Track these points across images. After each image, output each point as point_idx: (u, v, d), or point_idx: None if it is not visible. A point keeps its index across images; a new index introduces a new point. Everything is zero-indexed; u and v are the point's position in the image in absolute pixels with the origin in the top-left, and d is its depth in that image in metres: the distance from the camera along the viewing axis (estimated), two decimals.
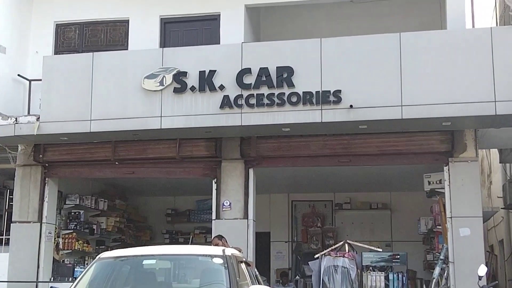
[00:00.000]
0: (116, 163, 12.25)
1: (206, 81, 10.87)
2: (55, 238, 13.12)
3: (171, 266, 6.83)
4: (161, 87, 11.01)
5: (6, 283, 12.34)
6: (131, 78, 11.21)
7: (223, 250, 6.79)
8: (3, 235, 15.47)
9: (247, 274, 7.11)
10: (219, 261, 6.55)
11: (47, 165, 12.66)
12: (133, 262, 6.76)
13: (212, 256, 6.70)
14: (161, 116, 10.96)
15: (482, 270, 8.58)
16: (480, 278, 8.56)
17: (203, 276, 6.55)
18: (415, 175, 12.73)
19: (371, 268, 12.56)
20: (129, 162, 12.36)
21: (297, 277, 15.30)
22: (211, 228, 11.92)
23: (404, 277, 12.29)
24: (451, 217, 11.11)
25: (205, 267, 6.65)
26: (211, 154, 11.93)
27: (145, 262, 6.77)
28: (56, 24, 13.44)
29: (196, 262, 6.82)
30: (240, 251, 8.14)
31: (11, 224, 12.82)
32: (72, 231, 14.00)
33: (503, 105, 9.88)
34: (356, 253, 12.53)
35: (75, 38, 13.39)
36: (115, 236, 15.75)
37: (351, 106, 10.28)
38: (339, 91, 10.40)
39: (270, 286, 7.12)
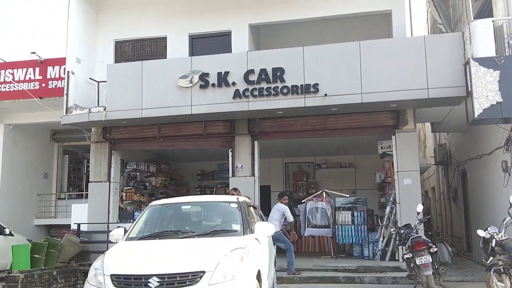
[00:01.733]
0: (161, 139, 12.40)
1: (223, 79, 10.99)
2: (119, 192, 13.32)
3: (201, 209, 6.97)
4: (190, 85, 11.14)
5: (87, 224, 12.57)
6: (169, 79, 11.35)
7: (237, 198, 6.91)
8: (83, 191, 15.87)
9: (254, 215, 7.24)
10: (234, 205, 6.67)
11: (112, 141, 12.81)
12: (174, 207, 6.90)
13: (229, 202, 6.83)
14: (191, 105, 11.11)
15: (419, 207, 8.71)
16: (418, 213, 8.68)
17: (223, 216, 6.68)
18: (371, 142, 12.91)
19: (341, 208, 12.74)
20: (170, 138, 12.51)
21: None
22: (229, 183, 12.07)
23: (364, 214, 12.49)
24: (397, 171, 11.22)
25: (224, 210, 6.78)
26: (227, 131, 12.06)
27: (182, 207, 6.91)
28: (115, 41, 13.54)
29: (218, 206, 6.96)
30: (249, 199, 8.25)
31: (89, 183, 13.03)
32: (131, 187, 14.21)
33: (433, 91, 10.03)
34: (331, 198, 12.70)
35: (129, 51, 13.49)
36: (162, 190, 15.94)
37: (325, 94, 10.43)
38: (317, 84, 10.52)
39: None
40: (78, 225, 12.53)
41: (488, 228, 6.07)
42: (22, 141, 15.63)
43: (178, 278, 4.84)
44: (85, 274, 11.65)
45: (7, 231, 12.04)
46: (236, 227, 6.20)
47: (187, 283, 4.82)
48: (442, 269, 7.63)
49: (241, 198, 6.96)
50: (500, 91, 9.11)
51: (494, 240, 5.74)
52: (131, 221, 12.10)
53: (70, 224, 13.05)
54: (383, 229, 11.83)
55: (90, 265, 11.80)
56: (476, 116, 9.10)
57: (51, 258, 11.39)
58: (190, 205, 6.98)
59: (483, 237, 6.06)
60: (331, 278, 9.80)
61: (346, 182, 16.00)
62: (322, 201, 12.36)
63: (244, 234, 6.02)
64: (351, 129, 11.72)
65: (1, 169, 14.93)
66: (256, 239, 6.12)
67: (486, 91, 9.14)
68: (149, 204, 6.98)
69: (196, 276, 4.87)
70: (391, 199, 11.81)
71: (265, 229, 6.26)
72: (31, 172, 16.03)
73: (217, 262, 5.03)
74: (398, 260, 11.01)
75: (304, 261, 11.43)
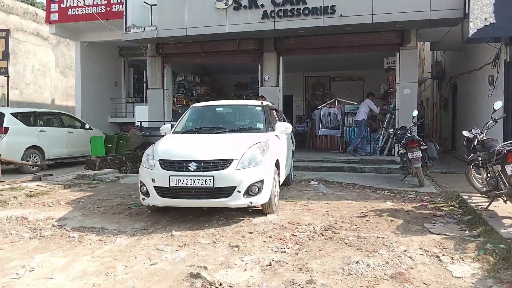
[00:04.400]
0: (203, 54, 11.89)
1: (253, 1, 10.15)
2: (171, 98, 13.21)
3: (232, 111, 6.76)
4: (225, 6, 10.34)
5: (147, 122, 12.68)
6: (208, 1, 10.55)
7: (261, 102, 6.64)
8: (143, 97, 15.89)
9: (276, 117, 7.01)
10: (259, 108, 6.43)
11: (164, 56, 12.38)
12: (211, 109, 6.70)
13: (255, 106, 6.58)
14: (226, 25, 10.40)
15: (415, 112, 8.32)
16: (413, 117, 8.30)
17: (250, 117, 6.46)
18: (378, 58, 12.09)
19: (350, 113, 12.37)
20: (210, 54, 11.96)
21: (308, 120, 15.28)
22: (258, 92, 11.74)
23: (369, 118, 12.09)
24: (399, 83, 10.62)
25: (251, 112, 6.54)
26: (257, 48, 11.46)
27: (217, 109, 6.72)
28: None
29: (246, 109, 6.71)
30: (273, 104, 8.00)
31: (148, 90, 12.93)
32: (181, 94, 14.10)
33: (435, 13, 9.08)
34: (341, 105, 12.29)
35: None
36: (205, 97, 15.71)
37: (341, 15, 9.56)
38: (334, 5, 9.61)
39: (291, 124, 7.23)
40: (141, 122, 12.67)
41: (472, 130, 5.69)
42: (95, 56, 15.56)
43: (211, 164, 4.77)
44: None
45: (87, 126, 12.32)
46: (260, 125, 6.01)
47: (219, 167, 4.75)
48: (430, 163, 7.39)
49: (265, 103, 6.69)
50: (494, 13, 8.23)
51: (476, 140, 5.38)
52: None
53: (135, 122, 13.23)
54: (383, 131, 11.49)
55: None
56: (470, 35, 8.34)
57: (121, 147, 11.67)
58: (223, 107, 6.76)
59: (467, 137, 5.70)
60: (337, 167, 9.70)
61: (356, 93, 15.34)
62: (334, 107, 11.97)
63: (266, 132, 5.85)
64: (362, 46, 10.92)
65: (80, 78, 15.14)
66: (276, 135, 5.93)
67: (481, 13, 8.28)
68: (191, 106, 6.81)
69: (226, 162, 4.78)
70: (391, 106, 11.33)
71: (284, 128, 6.05)
72: (104, 81, 16.13)
73: (243, 152, 4.91)
74: (393, 155, 10.80)
75: (317, 155, 11.35)
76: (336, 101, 12.16)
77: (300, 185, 7.81)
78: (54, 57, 20.29)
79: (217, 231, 4.62)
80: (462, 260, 3.69)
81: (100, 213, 5.62)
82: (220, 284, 3.30)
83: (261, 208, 5.27)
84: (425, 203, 6.13)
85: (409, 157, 7.25)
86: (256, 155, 4.96)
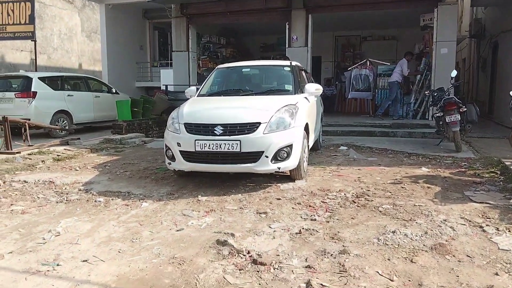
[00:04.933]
0: (228, 13, 11.46)
1: None
2: (197, 61, 12.93)
3: (259, 72, 6.42)
4: None
5: (173, 86, 12.52)
6: None
7: (290, 62, 6.28)
8: (168, 61, 15.66)
9: (305, 78, 6.64)
10: (288, 69, 6.09)
11: (188, 16, 12.02)
12: (237, 70, 6.40)
13: (283, 66, 6.23)
14: None
15: (454, 73, 7.73)
16: (452, 78, 7.74)
17: (278, 78, 6.13)
18: (413, 16, 11.25)
19: (382, 75, 11.79)
20: (235, 13, 11.51)
21: (336, 82, 14.74)
22: (285, 54, 11.28)
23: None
24: (436, 42, 9.95)
25: (279, 73, 6.20)
26: (285, 6, 10.91)
27: (243, 70, 6.40)
28: None
29: (274, 69, 6.37)
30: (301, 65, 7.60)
31: (172, 52, 12.67)
32: (206, 56, 13.75)
33: None
34: (374, 66, 11.70)
35: None
36: (231, 60, 15.32)
37: None
38: None
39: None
40: (166, 86, 12.52)
41: None
42: (120, 19, 15.32)
43: (238, 127, 4.55)
44: None
45: (113, 90, 12.27)
46: (289, 87, 5.70)
47: (245, 132, 4.53)
48: (469, 126, 6.93)
49: (294, 63, 6.33)
50: None
51: None
52: None
53: (160, 86, 13.10)
54: (416, 93, 10.92)
55: None
56: None
57: (147, 111, 11.60)
58: (250, 68, 6.41)
59: None
60: (368, 132, 9.33)
61: (388, 53, 14.53)
62: (366, 68, 11.41)
63: (295, 94, 5.54)
64: (398, 2, 10.23)
65: (106, 42, 15.01)
66: (305, 98, 5.62)
67: None
68: (216, 67, 6.51)
69: (253, 126, 4.55)
70: (421, 66, 10.71)
71: (314, 89, 5.71)
72: (130, 45, 15.95)
73: (271, 115, 4.65)
74: (427, 119, 10.30)
75: (346, 119, 10.96)
76: (367, 61, 11.59)
77: (329, 150, 7.54)
78: (80, 21, 20.20)
79: (244, 197, 4.47)
80: (509, 231, 3.40)
81: (126, 177, 5.56)
82: (248, 252, 3.15)
83: (289, 174, 5.07)
84: (463, 169, 5.78)
85: (447, 121, 6.81)
86: (285, 118, 4.71)
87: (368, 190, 4.65)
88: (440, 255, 3.02)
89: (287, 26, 11.12)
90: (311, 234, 3.46)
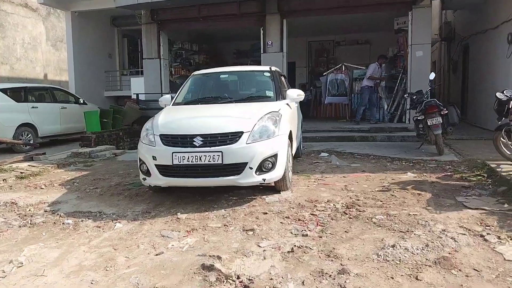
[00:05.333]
0: (201, 19, 11.14)
1: None
2: (169, 68, 12.54)
3: (238, 78, 6.14)
4: None
5: (144, 94, 12.06)
6: None
7: (270, 68, 6.03)
8: (138, 69, 15.18)
9: (285, 83, 6.40)
10: (268, 74, 5.84)
11: (159, 22, 11.64)
12: (214, 76, 6.09)
13: (263, 71, 5.98)
14: None
15: (432, 75, 7.71)
16: (430, 81, 7.71)
17: (258, 84, 5.87)
18: (387, 20, 11.32)
19: (358, 79, 11.75)
20: (209, 18, 11.20)
21: (311, 88, 14.65)
22: (260, 60, 11.07)
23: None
24: (411, 44, 9.96)
25: (259, 78, 5.94)
26: (259, 10, 10.71)
27: (221, 76, 6.09)
28: None
29: (253, 75, 6.09)
30: (280, 70, 7.37)
31: (143, 60, 12.22)
32: (178, 63, 13.39)
33: None
34: (349, 71, 11.64)
35: None
36: (204, 67, 15.00)
37: None
38: None
39: None
40: (137, 95, 12.06)
41: (505, 91, 5.14)
42: (87, 26, 14.72)
43: (219, 138, 4.22)
44: None
45: (81, 100, 11.70)
46: (270, 93, 5.43)
47: (227, 142, 4.21)
48: (450, 129, 6.86)
49: (273, 68, 6.09)
50: None
51: (511, 102, 4.85)
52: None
53: (131, 95, 12.61)
54: (393, 96, 10.90)
55: None
56: None
57: (118, 122, 11.11)
58: (228, 74, 6.12)
59: (499, 99, 5.16)
60: (347, 137, 9.19)
61: (362, 58, 14.60)
62: (341, 73, 11.32)
63: (277, 100, 5.28)
64: (371, 6, 10.18)
65: (73, 51, 14.37)
66: (287, 104, 5.37)
67: None
68: (192, 74, 6.16)
69: (236, 136, 4.24)
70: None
71: (296, 95, 5.47)
72: (98, 53, 15.35)
73: (254, 124, 4.36)
74: (404, 122, 10.29)
75: (324, 124, 10.82)
76: (343, 66, 11.50)
77: (310, 157, 7.33)
78: (45, 30, 19.37)
79: (227, 213, 4.15)
80: (511, 239, 3.23)
81: (97, 195, 5.14)
82: (238, 277, 2.84)
83: (273, 185, 4.79)
84: (449, 173, 5.66)
85: (429, 124, 6.72)
86: (268, 126, 4.43)
87: (358, 200, 4.42)
88: (445, 269, 2.80)
89: (261, 31, 10.92)
90: (304, 252, 3.19)
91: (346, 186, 5.07)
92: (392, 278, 2.72)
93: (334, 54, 15.59)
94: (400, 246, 3.14)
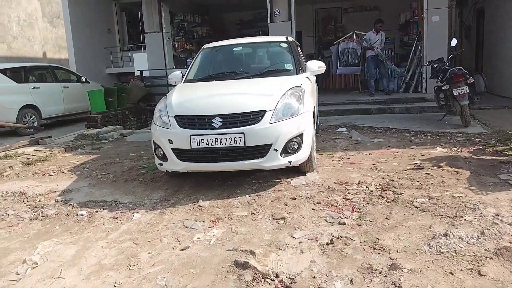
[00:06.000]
0: None
1: None
2: (172, 42, 12.01)
3: (252, 50, 5.68)
4: None
5: (148, 71, 11.61)
6: None
7: (287, 37, 5.59)
8: (142, 44, 14.63)
9: (301, 54, 5.96)
10: (285, 45, 5.42)
11: None
12: (227, 49, 5.63)
13: (280, 42, 5.54)
14: None
15: (454, 41, 7.22)
16: (452, 47, 7.28)
17: (275, 56, 5.43)
18: None
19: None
20: None
21: (320, 58, 14.09)
22: (266, 31, 10.54)
23: (392, 51, 11.00)
24: (427, 9, 9.41)
25: (276, 50, 5.50)
26: None
27: (234, 49, 5.65)
28: None
29: (269, 47, 5.63)
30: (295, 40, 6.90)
31: (145, 34, 11.69)
32: (181, 37, 12.90)
33: None
34: (360, 39, 11.08)
35: None
36: (207, 39, 14.45)
37: None
38: None
39: None
40: (141, 71, 11.60)
41: None
42: (84, 1, 14.04)
43: (240, 118, 3.85)
44: (152, 112, 11.30)
45: (83, 79, 11.28)
46: (289, 66, 5.01)
47: (249, 122, 3.84)
48: (477, 99, 6.45)
49: (290, 38, 5.64)
50: None
51: None
52: (185, 66, 11.07)
53: (134, 71, 12.14)
54: (408, 64, 10.40)
55: (156, 105, 11.35)
56: None
57: (122, 100, 10.72)
58: (242, 47, 5.65)
59: None
60: (363, 110, 8.80)
61: (371, 25, 13.97)
62: (353, 41, 10.80)
63: (297, 74, 4.87)
64: None
65: (70, 27, 13.78)
66: (307, 77, 4.97)
67: None
68: (202, 47, 5.68)
69: (258, 115, 3.87)
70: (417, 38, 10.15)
71: (317, 67, 5.04)
72: (96, 28, 14.71)
73: (276, 101, 3.98)
74: (421, 92, 9.86)
75: (336, 97, 10.40)
76: (354, 34, 10.95)
77: (327, 133, 6.97)
78: (40, 5, 18.68)
79: (253, 199, 3.84)
80: None
81: (110, 181, 4.83)
82: (277, 276, 2.55)
83: (297, 166, 4.44)
84: (480, 147, 5.32)
85: (454, 93, 6.31)
86: (292, 103, 4.05)
87: (392, 180, 4.09)
88: (510, 262, 2.50)
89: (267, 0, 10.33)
90: (345, 243, 2.89)
91: (374, 164, 4.74)
92: (452, 273, 2.43)
93: (342, 21, 14.95)
94: (453, 235, 2.83)
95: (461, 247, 2.70)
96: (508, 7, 9.76)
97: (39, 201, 4.27)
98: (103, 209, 3.92)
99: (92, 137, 7.60)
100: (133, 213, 3.76)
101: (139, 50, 14.57)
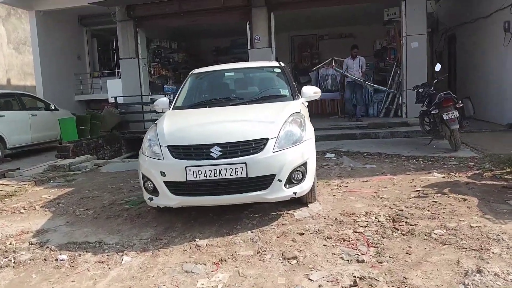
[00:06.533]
0: (182, 14, 10.39)
1: None
2: (147, 68, 11.69)
3: (244, 76, 5.44)
4: None
5: (123, 97, 11.19)
6: None
7: (279, 62, 5.41)
8: (113, 70, 14.24)
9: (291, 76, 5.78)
10: (278, 70, 5.26)
11: (136, 19, 10.81)
12: (217, 75, 5.38)
13: (273, 67, 5.36)
14: None
15: (438, 67, 7.26)
16: (435, 72, 7.29)
17: (270, 81, 5.22)
18: (372, 12, 10.96)
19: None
20: (190, 14, 10.46)
21: (296, 83, 14.07)
22: (242, 57, 10.45)
23: (371, 77, 11.11)
24: (406, 36, 9.58)
25: (269, 75, 5.31)
26: (245, 4, 10.10)
27: (226, 74, 5.40)
28: None
29: (262, 72, 5.42)
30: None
31: (120, 60, 11.32)
32: (157, 63, 12.57)
33: None
34: (338, 65, 11.14)
35: None
36: (183, 66, 14.25)
37: None
38: None
39: None
40: (115, 98, 11.15)
41: None
42: (53, 27, 13.66)
43: (241, 147, 3.55)
44: (127, 141, 10.78)
45: (52, 106, 10.70)
46: (285, 92, 4.81)
47: (251, 151, 3.55)
48: (466, 123, 6.45)
49: (281, 63, 5.46)
50: None
51: None
52: (162, 93, 10.74)
53: (107, 98, 11.68)
54: (386, 90, 10.48)
55: (131, 133, 10.84)
56: None
57: (95, 128, 10.21)
58: (233, 72, 5.43)
59: None
60: (347, 135, 8.69)
61: (346, 51, 14.17)
62: (332, 68, 10.83)
63: (293, 99, 4.66)
64: None
65: (39, 53, 13.27)
66: (302, 103, 4.77)
67: None
68: (190, 73, 5.39)
69: (260, 143, 3.58)
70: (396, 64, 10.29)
71: (313, 93, 4.82)
72: (66, 55, 14.30)
73: (279, 128, 3.73)
74: (401, 116, 9.92)
75: (318, 122, 10.26)
76: (333, 60, 11.00)
77: (316, 159, 6.73)
78: (6, 32, 17.96)
79: (256, 235, 3.51)
80: None
81: (90, 218, 4.37)
82: None
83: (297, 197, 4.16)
84: (477, 171, 5.23)
85: (444, 118, 6.28)
86: (294, 130, 3.80)
87: (401, 210, 3.87)
88: None
89: (248, 26, 10.28)
90: (371, 285, 2.60)
91: (376, 192, 4.53)
92: None
93: (318, 48, 15.13)
94: (487, 271, 2.60)
95: (499, 285, 2.47)
96: (481, 33, 10.10)
97: (10, 244, 3.76)
98: (86, 251, 3.47)
99: (65, 168, 7.07)
100: (122, 256, 3.33)
101: (110, 76, 14.18)
